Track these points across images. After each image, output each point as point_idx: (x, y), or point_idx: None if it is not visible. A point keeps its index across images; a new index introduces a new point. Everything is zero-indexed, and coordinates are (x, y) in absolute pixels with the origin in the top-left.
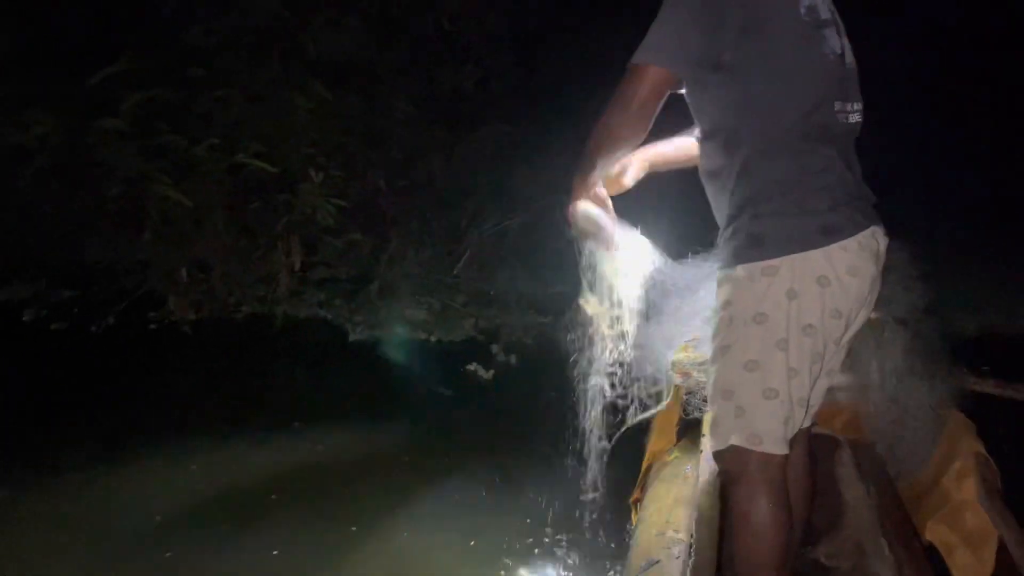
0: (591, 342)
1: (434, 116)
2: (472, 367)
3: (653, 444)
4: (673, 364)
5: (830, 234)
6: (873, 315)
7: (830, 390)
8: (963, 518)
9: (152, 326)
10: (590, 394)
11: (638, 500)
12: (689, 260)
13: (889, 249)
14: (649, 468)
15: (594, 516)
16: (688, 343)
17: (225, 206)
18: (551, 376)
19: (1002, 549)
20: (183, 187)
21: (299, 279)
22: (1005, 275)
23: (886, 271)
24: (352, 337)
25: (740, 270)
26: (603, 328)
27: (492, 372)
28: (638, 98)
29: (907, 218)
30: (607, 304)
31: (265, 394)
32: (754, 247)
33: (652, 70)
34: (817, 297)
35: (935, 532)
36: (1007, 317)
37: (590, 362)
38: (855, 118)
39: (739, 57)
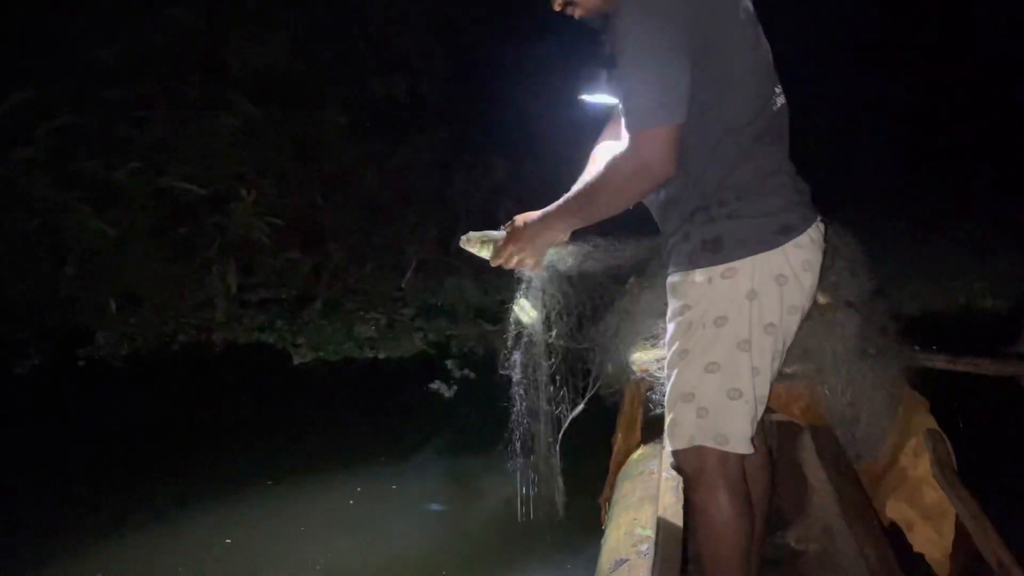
0: (529, 353)
1: (367, 126)
2: (435, 385)
3: (619, 443)
4: (633, 362)
5: (786, 233)
6: (823, 300)
7: (788, 377)
8: (921, 494)
9: (81, 363)
10: (533, 403)
11: (608, 499)
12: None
13: (833, 233)
14: (617, 467)
15: (564, 519)
16: (646, 340)
17: (152, 232)
18: (506, 388)
19: (960, 523)
20: (105, 216)
21: (237, 303)
22: (922, 254)
23: (833, 256)
24: (296, 360)
25: (698, 274)
26: (540, 334)
27: (454, 388)
28: (668, 161)
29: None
30: (541, 307)
31: (207, 428)
32: (712, 251)
33: (674, 127)
34: (777, 296)
35: (895, 510)
36: (938, 296)
37: (532, 373)
38: (781, 100)
39: (697, 73)
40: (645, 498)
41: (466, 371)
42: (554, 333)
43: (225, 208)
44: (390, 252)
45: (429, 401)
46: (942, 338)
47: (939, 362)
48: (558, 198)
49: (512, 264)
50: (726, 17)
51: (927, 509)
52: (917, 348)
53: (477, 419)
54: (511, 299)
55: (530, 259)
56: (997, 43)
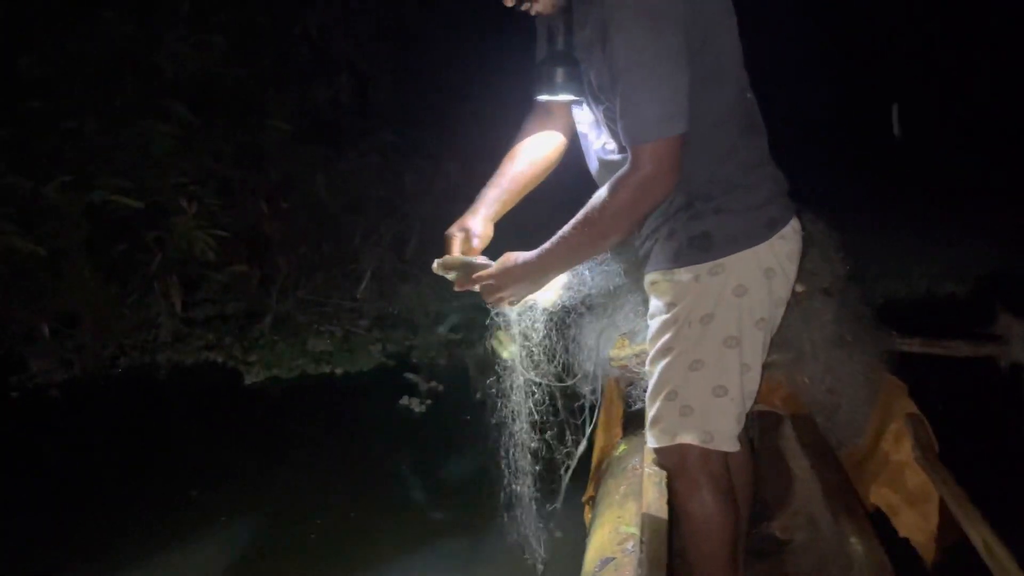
0: (510, 388)
1: (311, 131)
2: (404, 401)
3: (600, 439)
4: (611, 359)
5: (773, 226)
6: (799, 288)
7: (768, 366)
8: (904, 478)
9: (14, 394)
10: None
11: (592, 498)
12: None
13: (807, 221)
14: (600, 464)
15: (551, 521)
16: (623, 336)
17: (87, 250)
18: (473, 398)
19: (944, 505)
20: (35, 234)
21: (182, 321)
22: (878, 244)
23: (808, 244)
24: (248, 380)
25: (683, 272)
26: (521, 367)
27: (422, 403)
28: (673, 173)
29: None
30: (521, 335)
31: (154, 458)
32: (699, 248)
33: (678, 138)
34: (766, 290)
35: (879, 495)
36: (900, 283)
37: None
38: (750, 92)
39: (692, 70)
40: (629, 495)
41: (434, 383)
42: (534, 368)
43: (165, 222)
44: (342, 261)
45: (394, 417)
46: (910, 324)
47: (915, 346)
48: (477, 199)
49: (493, 301)
50: (717, 8)
51: (911, 493)
52: (893, 332)
53: (448, 436)
54: (474, 302)
55: (516, 300)
56: (954, 41)
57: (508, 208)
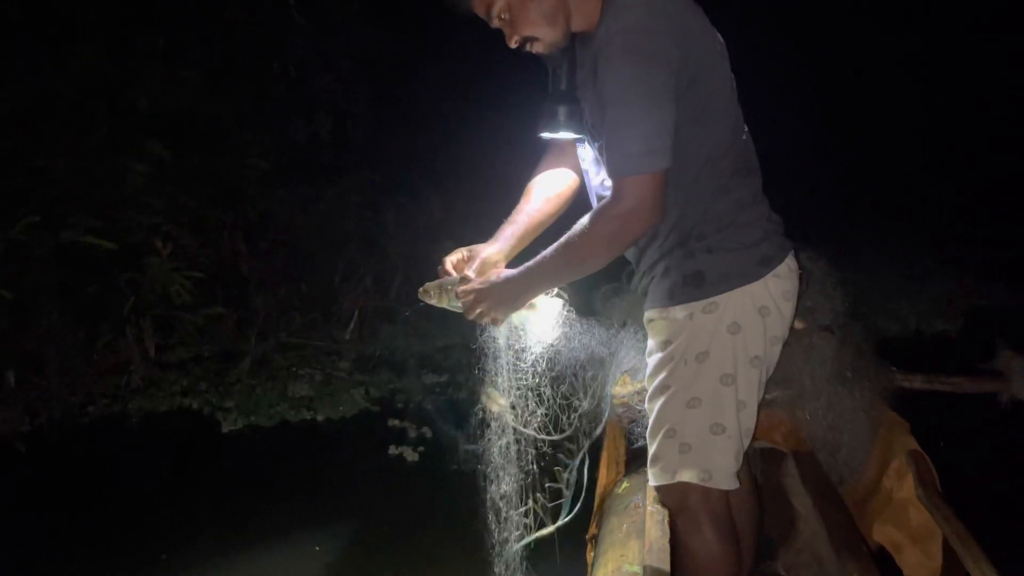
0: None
1: (290, 168)
2: (395, 450)
3: (603, 477)
4: (612, 396)
5: (766, 264)
6: (799, 325)
7: (769, 403)
8: (907, 516)
9: None
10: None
11: (594, 536)
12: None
13: (806, 258)
14: (602, 502)
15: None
16: (625, 373)
17: (56, 293)
18: (465, 446)
19: (948, 543)
20: (0, 276)
21: (155, 365)
22: (865, 283)
23: (807, 281)
24: (225, 428)
25: (678, 310)
26: (512, 422)
27: (414, 450)
28: (655, 207)
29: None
30: (514, 389)
31: (123, 517)
32: (693, 286)
33: (661, 173)
34: (760, 328)
35: (883, 533)
36: (890, 322)
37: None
38: (746, 130)
39: (681, 110)
40: (631, 533)
41: (424, 429)
42: (525, 422)
43: (138, 263)
44: (322, 302)
45: (383, 467)
46: (905, 362)
47: (916, 382)
48: (491, 231)
49: (475, 317)
50: (707, 51)
51: (914, 531)
52: (894, 369)
53: (442, 486)
54: (456, 344)
55: (500, 317)
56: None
57: (525, 245)
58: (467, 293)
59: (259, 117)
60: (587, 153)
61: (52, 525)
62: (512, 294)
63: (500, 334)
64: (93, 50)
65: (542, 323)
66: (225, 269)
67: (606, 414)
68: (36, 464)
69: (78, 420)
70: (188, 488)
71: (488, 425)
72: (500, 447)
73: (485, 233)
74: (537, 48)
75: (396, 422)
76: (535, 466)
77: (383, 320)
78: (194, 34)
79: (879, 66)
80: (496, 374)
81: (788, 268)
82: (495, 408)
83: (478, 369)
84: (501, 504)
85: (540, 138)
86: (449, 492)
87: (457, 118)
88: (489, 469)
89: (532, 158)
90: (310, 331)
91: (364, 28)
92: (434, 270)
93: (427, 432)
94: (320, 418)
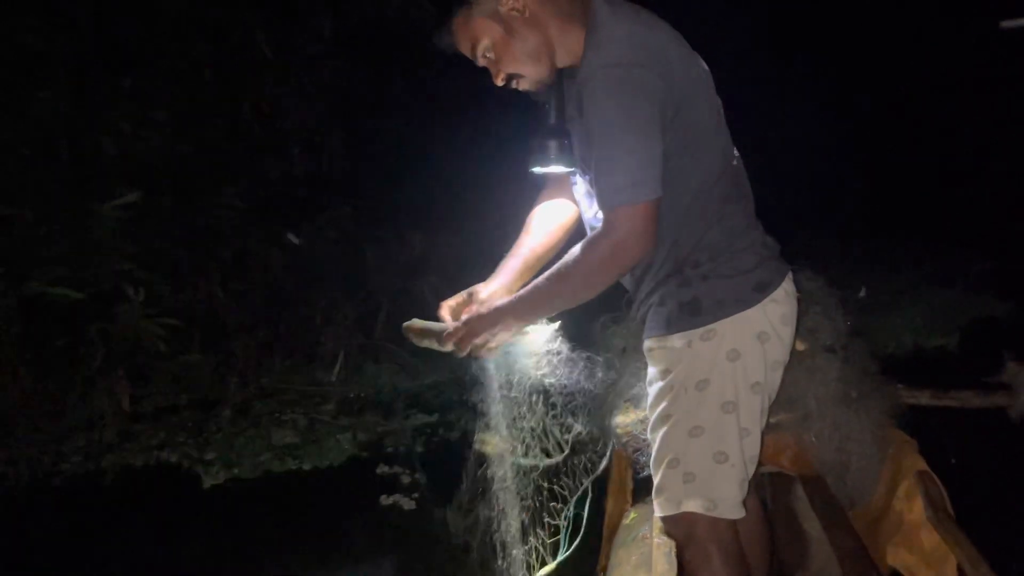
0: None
1: (264, 207)
2: (388, 500)
3: (610, 507)
4: (616, 425)
5: (763, 289)
6: (801, 346)
7: (774, 427)
8: (919, 538)
9: None
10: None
11: (604, 568)
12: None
13: (805, 279)
14: (610, 533)
15: None
16: (627, 401)
17: (21, 347)
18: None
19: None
20: None
21: (130, 418)
22: (856, 299)
23: (808, 302)
24: (207, 482)
25: (676, 339)
26: (511, 458)
27: (414, 498)
28: (646, 237)
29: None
30: (511, 424)
31: None
32: (689, 314)
33: (651, 203)
34: (759, 353)
35: (896, 556)
36: (888, 338)
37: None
38: (737, 156)
39: (668, 140)
40: (640, 565)
41: (418, 475)
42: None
43: (109, 312)
44: (303, 343)
45: (377, 518)
46: (909, 380)
47: (923, 398)
48: (480, 268)
49: (468, 350)
50: (690, 79)
51: (927, 554)
52: (900, 386)
53: (438, 537)
54: (443, 383)
55: (489, 347)
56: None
57: (527, 278)
58: (457, 328)
59: (231, 156)
60: (580, 186)
61: None
62: (505, 323)
63: (490, 365)
64: (55, 92)
65: (533, 350)
66: (201, 314)
67: (611, 445)
68: (4, 530)
69: (49, 481)
70: (169, 550)
71: (486, 470)
72: (500, 489)
73: (468, 266)
74: (523, 85)
75: (386, 468)
76: (536, 502)
77: (367, 359)
78: (161, 74)
79: (861, 78)
80: (490, 410)
81: (785, 292)
82: (491, 451)
83: (473, 410)
84: (505, 546)
85: (532, 172)
86: (449, 541)
87: (436, 151)
88: (491, 514)
89: (515, 190)
90: (292, 374)
91: (336, 62)
92: (418, 306)
93: (421, 478)
94: (306, 467)
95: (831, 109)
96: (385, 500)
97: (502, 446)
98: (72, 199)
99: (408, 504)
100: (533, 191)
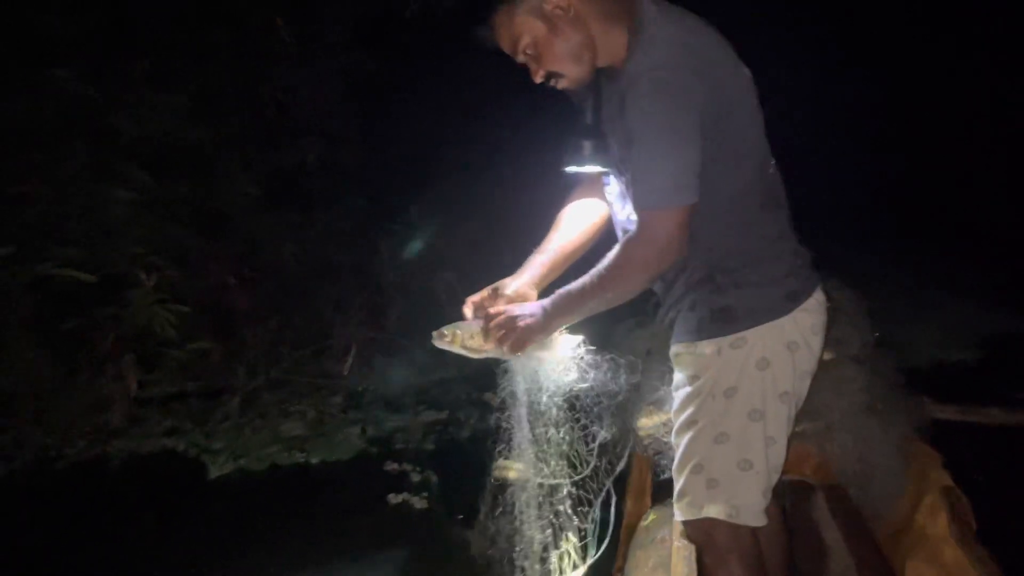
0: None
1: (278, 196)
2: (396, 498)
3: (629, 509)
4: (639, 428)
5: (795, 299)
6: (828, 356)
7: (797, 436)
8: (942, 554)
9: None
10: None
11: (620, 569)
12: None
13: (833, 289)
14: (628, 535)
15: None
16: (650, 405)
17: (31, 328)
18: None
19: None
20: None
21: (138, 403)
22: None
23: (835, 312)
24: (213, 472)
25: (706, 345)
26: (535, 478)
27: (424, 498)
28: (680, 242)
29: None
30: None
31: (103, 571)
32: (721, 321)
33: (686, 208)
34: (789, 363)
35: (916, 571)
36: (909, 350)
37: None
38: (774, 164)
39: (709, 146)
40: (658, 567)
41: (428, 473)
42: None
43: (121, 296)
44: (313, 335)
45: (387, 518)
46: (930, 393)
47: (949, 413)
48: (495, 265)
49: (502, 342)
50: (735, 87)
51: (949, 570)
52: (926, 399)
53: (451, 539)
54: (454, 378)
55: (527, 345)
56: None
57: (555, 276)
58: (498, 318)
59: (246, 143)
60: (613, 187)
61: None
62: (541, 323)
63: (518, 377)
64: (74, 72)
65: (559, 357)
66: (212, 301)
67: (629, 447)
68: (7, 513)
69: (54, 464)
70: (173, 540)
71: (507, 496)
72: (523, 512)
73: (483, 262)
74: (562, 84)
75: (395, 465)
76: (559, 508)
77: (378, 353)
78: (179, 57)
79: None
80: (515, 428)
81: (816, 302)
82: (512, 474)
83: (482, 406)
84: (528, 558)
85: (553, 170)
86: (462, 545)
87: (455, 145)
88: (514, 534)
89: (534, 187)
90: (301, 366)
91: (356, 51)
92: (431, 301)
93: (431, 476)
94: (314, 461)
95: (864, 118)
96: (394, 499)
97: (525, 469)
98: (87, 180)
99: (419, 504)
100: (553, 189)
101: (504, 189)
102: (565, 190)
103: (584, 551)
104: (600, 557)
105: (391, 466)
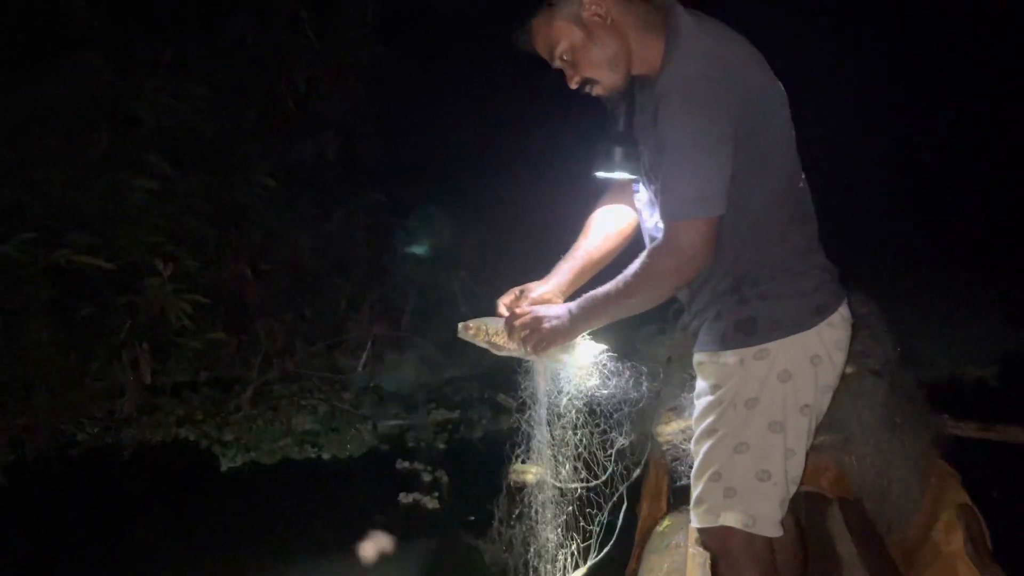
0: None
1: (295, 189)
2: (411, 497)
3: (645, 513)
4: (657, 433)
5: (821, 313)
6: (849, 369)
7: (815, 448)
8: (955, 572)
9: None
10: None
11: (634, 572)
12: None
13: (857, 302)
14: (643, 538)
15: None
16: (669, 411)
17: (47, 314)
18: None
19: None
20: None
21: (150, 392)
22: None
23: (858, 325)
24: (225, 464)
25: (729, 355)
26: (552, 482)
27: (435, 497)
28: (706, 252)
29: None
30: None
31: (113, 560)
32: (746, 332)
33: (714, 219)
34: (811, 376)
35: None
36: (927, 367)
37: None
38: (803, 178)
39: (740, 158)
40: (672, 572)
41: (439, 473)
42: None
43: (137, 285)
44: (327, 329)
45: (396, 515)
46: (949, 410)
47: (969, 430)
48: (511, 265)
49: (526, 340)
50: (768, 100)
51: None
52: (946, 416)
53: (462, 539)
54: (465, 377)
55: (550, 346)
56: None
57: (582, 282)
58: (523, 317)
59: (265, 134)
60: (642, 195)
61: (35, 566)
62: (566, 325)
63: (539, 382)
64: (96, 59)
65: (581, 363)
66: (228, 292)
67: (647, 451)
68: (19, 499)
69: (67, 451)
70: (183, 531)
71: (523, 500)
72: (539, 516)
73: (499, 263)
74: (597, 90)
75: (407, 464)
76: (571, 508)
77: (391, 349)
78: (201, 47)
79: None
80: (534, 431)
81: (841, 317)
82: (529, 477)
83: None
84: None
85: (577, 176)
86: (477, 549)
87: (474, 144)
88: (529, 539)
89: (553, 190)
90: (315, 360)
91: (377, 46)
92: (446, 299)
93: (443, 477)
94: (326, 456)
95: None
96: (405, 498)
97: (543, 472)
98: (106, 168)
99: (431, 504)
100: (570, 191)
101: (521, 190)
102: (594, 195)
103: (586, 553)
104: (601, 559)
105: (402, 464)
